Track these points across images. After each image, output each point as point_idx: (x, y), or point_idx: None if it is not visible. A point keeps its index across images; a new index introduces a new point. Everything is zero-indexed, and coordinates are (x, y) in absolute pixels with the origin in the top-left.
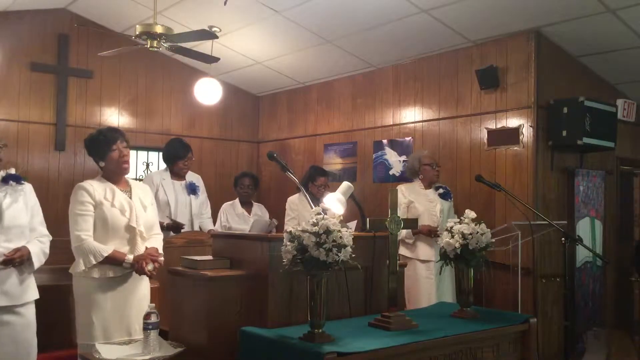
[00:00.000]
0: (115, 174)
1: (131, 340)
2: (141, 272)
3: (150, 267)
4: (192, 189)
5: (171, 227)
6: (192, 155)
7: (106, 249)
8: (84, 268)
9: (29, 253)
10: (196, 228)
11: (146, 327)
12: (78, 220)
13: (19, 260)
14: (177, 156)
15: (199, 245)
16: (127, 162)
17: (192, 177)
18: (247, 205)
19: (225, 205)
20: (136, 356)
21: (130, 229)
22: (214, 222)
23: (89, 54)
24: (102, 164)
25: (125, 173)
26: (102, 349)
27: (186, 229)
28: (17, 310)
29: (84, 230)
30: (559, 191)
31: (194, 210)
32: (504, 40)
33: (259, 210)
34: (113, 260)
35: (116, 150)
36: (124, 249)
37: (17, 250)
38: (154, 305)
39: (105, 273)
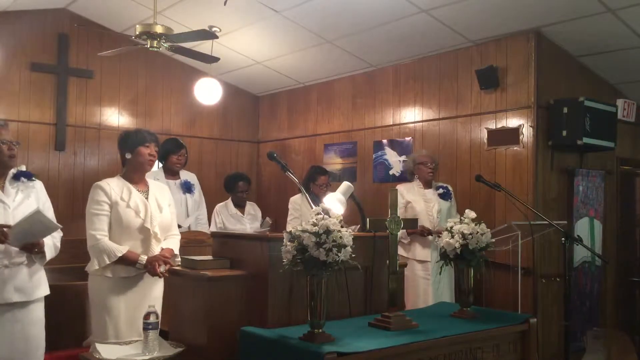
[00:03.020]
0: (136, 171)
1: (137, 341)
2: (153, 273)
3: (162, 268)
4: (187, 188)
5: None
6: (185, 152)
7: (120, 249)
8: (97, 267)
9: (43, 245)
10: (193, 228)
11: (146, 327)
12: (93, 219)
13: (37, 248)
14: (169, 151)
15: (199, 245)
16: (153, 162)
17: (186, 175)
18: (240, 205)
19: (219, 207)
20: (136, 356)
21: (144, 230)
22: (209, 224)
23: (89, 54)
24: (129, 155)
25: (146, 171)
26: (102, 349)
27: (183, 228)
28: (29, 306)
29: (99, 230)
30: (559, 191)
31: (190, 208)
32: (504, 40)
33: (252, 210)
34: (127, 261)
35: (149, 147)
36: (138, 249)
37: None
38: (154, 305)
39: (118, 273)
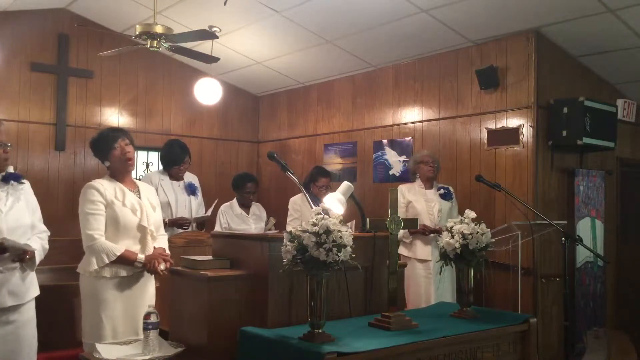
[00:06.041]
0: (120, 172)
1: (135, 340)
2: (153, 271)
3: (162, 266)
4: (191, 190)
5: (173, 224)
6: (189, 160)
7: (119, 249)
8: (96, 267)
9: (33, 252)
10: (195, 229)
11: (146, 327)
12: (89, 219)
13: (28, 257)
14: (174, 161)
15: (199, 245)
16: (131, 158)
17: (189, 177)
18: (245, 205)
19: (224, 207)
20: (136, 356)
21: (141, 229)
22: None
23: (89, 54)
24: (107, 163)
25: (129, 169)
26: (102, 349)
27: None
28: (21, 308)
29: (96, 230)
30: (559, 191)
31: (194, 210)
32: (504, 40)
33: (257, 210)
34: (125, 260)
35: (118, 147)
36: (135, 248)
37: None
38: (154, 305)
39: (117, 272)
